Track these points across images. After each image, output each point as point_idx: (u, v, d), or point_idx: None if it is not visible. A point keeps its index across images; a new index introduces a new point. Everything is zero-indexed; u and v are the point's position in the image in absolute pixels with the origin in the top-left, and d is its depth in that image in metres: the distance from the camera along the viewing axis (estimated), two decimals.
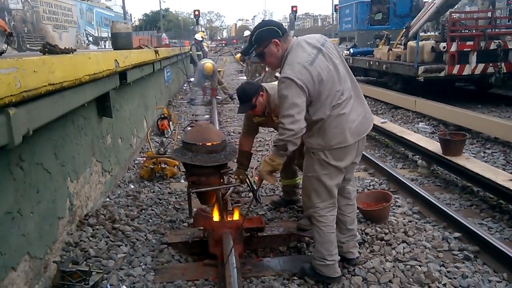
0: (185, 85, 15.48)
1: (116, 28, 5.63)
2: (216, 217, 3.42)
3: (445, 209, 3.81)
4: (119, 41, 5.54)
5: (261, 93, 3.33)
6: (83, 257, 3.15)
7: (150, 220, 3.90)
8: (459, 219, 3.59)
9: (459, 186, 4.70)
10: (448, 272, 2.98)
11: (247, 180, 3.69)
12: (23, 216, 2.59)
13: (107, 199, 4.41)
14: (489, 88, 10.30)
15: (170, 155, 3.99)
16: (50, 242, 2.98)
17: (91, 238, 3.42)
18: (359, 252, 3.14)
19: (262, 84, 3.50)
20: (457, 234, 3.49)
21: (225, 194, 3.44)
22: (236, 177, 3.71)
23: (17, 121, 2.15)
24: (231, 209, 3.64)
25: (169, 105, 10.49)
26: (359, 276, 2.94)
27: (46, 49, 3.14)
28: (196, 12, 29.56)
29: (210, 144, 3.12)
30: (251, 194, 4.44)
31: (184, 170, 3.41)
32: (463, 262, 3.12)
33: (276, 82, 3.58)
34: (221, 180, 3.33)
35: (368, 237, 3.47)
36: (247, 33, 16.95)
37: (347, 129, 2.63)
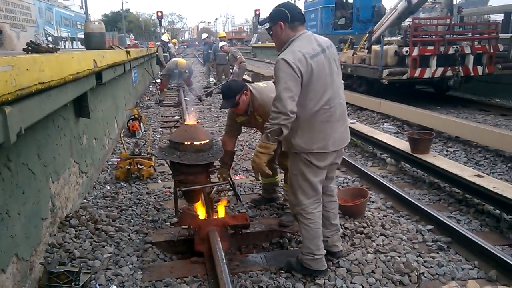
0: (151, 86, 15.32)
1: (89, 28, 5.54)
2: (201, 215, 3.46)
3: (417, 203, 4.03)
4: (93, 41, 5.46)
5: (245, 91, 3.42)
6: (68, 258, 3.11)
7: (132, 220, 3.89)
8: (431, 212, 3.81)
9: (426, 182, 4.96)
10: (425, 261, 3.17)
11: (229, 178, 3.76)
12: (11, 217, 2.55)
13: (85, 200, 4.35)
14: (447, 90, 10.84)
15: (156, 155, 3.97)
16: (35, 244, 2.93)
17: (74, 239, 3.38)
18: (342, 245, 3.28)
19: (248, 84, 3.59)
20: (429, 227, 3.71)
21: (210, 193, 3.49)
22: (219, 176, 3.77)
23: (12, 120, 2.13)
24: (215, 207, 3.69)
25: (137, 106, 10.35)
26: (343, 267, 3.07)
27: (30, 48, 3.08)
28: (159, 14, 29.15)
29: (198, 143, 3.17)
30: (231, 193, 4.54)
31: (170, 169, 3.43)
32: (437, 252, 3.32)
33: (261, 83, 3.68)
34: (208, 179, 3.38)
35: (348, 231, 3.62)
36: (204, 35, 17.09)
37: (330, 138, 2.74)
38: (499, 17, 21.42)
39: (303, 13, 2.93)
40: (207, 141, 3.25)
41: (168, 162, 3.33)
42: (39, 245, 2.98)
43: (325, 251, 3.02)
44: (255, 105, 3.47)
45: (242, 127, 3.89)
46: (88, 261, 3.11)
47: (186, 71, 11.23)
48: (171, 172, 3.67)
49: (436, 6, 9.91)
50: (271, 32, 2.79)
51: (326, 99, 2.69)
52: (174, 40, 18.68)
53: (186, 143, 3.16)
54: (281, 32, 2.72)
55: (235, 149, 4.00)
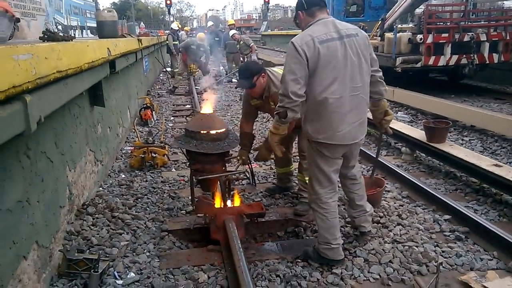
0: (161, 74, 15.31)
1: (102, 16, 5.52)
2: (217, 203, 3.46)
3: (434, 193, 3.99)
4: (105, 30, 5.45)
5: (263, 74, 3.40)
6: (86, 245, 3.14)
7: (147, 209, 3.91)
8: (448, 202, 3.77)
9: (442, 171, 4.90)
10: (443, 252, 3.14)
11: (248, 161, 3.80)
12: (31, 205, 2.56)
13: (100, 188, 4.38)
14: (461, 78, 10.68)
15: (172, 143, 3.98)
16: (54, 231, 2.96)
17: (92, 227, 3.40)
18: (372, 226, 3.28)
19: (267, 68, 3.56)
20: (447, 217, 3.66)
21: (226, 181, 3.48)
22: (239, 158, 3.78)
23: (33, 108, 2.12)
24: (231, 195, 3.69)
25: (148, 95, 10.37)
26: (360, 257, 3.06)
27: (46, 36, 3.07)
28: (168, 2, 29.05)
29: (214, 132, 3.15)
30: (245, 182, 4.54)
31: (186, 158, 3.43)
32: (455, 242, 3.29)
33: (278, 69, 3.63)
34: (224, 168, 3.37)
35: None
36: (210, 23, 17.11)
37: (338, 129, 2.68)
38: None
39: None
40: (223, 130, 3.23)
41: (184, 151, 3.33)
42: (57, 233, 3.01)
43: (342, 241, 3.02)
44: (270, 91, 3.44)
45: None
46: (106, 248, 3.13)
47: (202, 48, 11.15)
48: (185, 160, 3.69)
49: None
50: (297, 22, 2.86)
51: (335, 88, 2.61)
52: (187, 28, 18.60)
53: (202, 132, 3.14)
54: (300, 20, 2.77)
55: (253, 133, 4.00)
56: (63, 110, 3.32)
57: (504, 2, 25.75)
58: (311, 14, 2.71)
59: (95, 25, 6.69)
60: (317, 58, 2.55)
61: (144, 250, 3.20)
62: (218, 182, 3.39)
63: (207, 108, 3.64)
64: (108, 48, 4.22)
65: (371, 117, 3.18)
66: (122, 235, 3.35)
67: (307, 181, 3.80)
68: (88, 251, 3.02)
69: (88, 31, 25.44)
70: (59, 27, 22.36)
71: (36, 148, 2.70)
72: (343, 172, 3.04)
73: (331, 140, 2.71)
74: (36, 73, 2.16)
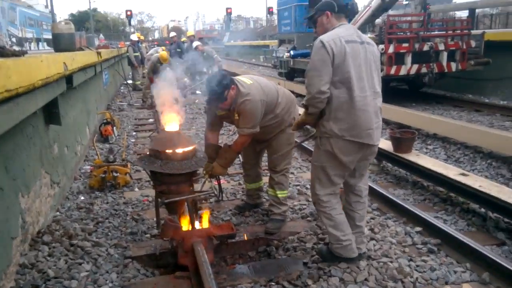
0: (122, 87, 14.92)
1: (58, 28, 5.24)
2: (185, 226, 3.28)
3: (403, 205, 3.97)
4: (62, 43, 5.17)
5: (232, 86, 3.28)
6: (42, 279, 2.88)
7: (109, 234, 3.67)
8: (418, 213, 3.75)
9: (410, 181, 4.93)
10: (417, 266, 3.09)
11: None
12: None
13: (57, 213, 4.09)
14: (421, 87, 10.96)
15: (136, 164, 3.77)
16: (5, 266, 2.70)
17: (48, 258, 3.13)
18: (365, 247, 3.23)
19: (234, 78, 3.43)
20: (418, 228, 3.64)
21: (193, 202, 3.31)
22: (204, 172, 3.62)
23: None
24: (199, 217, 3.52)
25: (109, 109, 10.02)
26: (335, 276, 2.95)
27: None
28: (129, 13, 28.63)
29: (181, 151, 2.99)
30: (212, 200, 4.38)
31: (151, 179, 3.24)
32: (428, 255, 3.26)
33: (246, 79, 3.50)
34: (191, 188, 3.20)
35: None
36: (172, 34, 16.98)
37: (365, 127, 2.77)
38: (464, 14, 22.00)
39: (277, 11, 3.02)
40: (190, 148, 3.07)
41: (148, 172, 3.14)
42: (9, 267, 2.74)
43: (354, 237, 3.04)
44: (237, 102, 3.32)
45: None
46: (64, 281, 2.88)
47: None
48: (149, 179, 3.49)
49: (409, 3, 9.92)
50: (315, 23, 2.95)
51: (362, 85, 2.73)
52: (138, 34, 18.18)
53: (167, 151, 2.97)
54: (327, 21, 2.86)
55: (219, 143, 3.85)
56: (14, 131, 3.06)
57: (456, 12, 26.89)
58: (338, 18, 2.86)
59: (51, 37, 6.40)
60: (343, 55, 2.67)
61: (107, 280, 2.96)
62: (186, 204, 3.20)
63: (172, 124, 3.45)
64: (64, 63, 3.98)
65: None
66: (82, 265, 3.10)
67: (278, 196, 3.70)
68: (44, 285, 2.77)
69: (45, 43, 24.57)
70: (13, 39, 21.49)
71: None
72: (351, 183, 3.05)
73: (358, 138, 2.76)
74: None
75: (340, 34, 2.72)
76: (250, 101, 3.29)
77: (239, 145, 3.53)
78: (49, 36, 23.88)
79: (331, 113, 2.76)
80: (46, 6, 31.84)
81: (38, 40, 25.82)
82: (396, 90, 11.98)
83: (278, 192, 3.73)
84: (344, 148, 2.78)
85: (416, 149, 6.16)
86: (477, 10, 20.38)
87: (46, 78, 3.16)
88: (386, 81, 10.72)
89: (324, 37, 2.71)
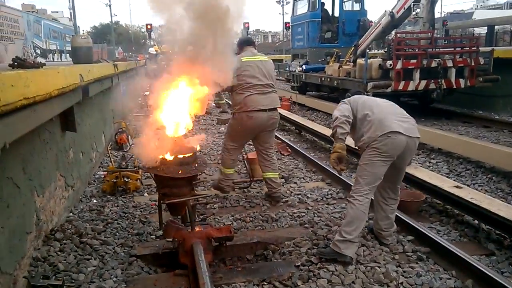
0: (140, 99, 15.32)
1: (77, 42, 5.61)
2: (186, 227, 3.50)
3: (397, 214, 4.10)
4: (80, 55, 5.52)
5: None
6: (52, 271, 3.13)
7: (117, 234, 3.92)
8: (411, 223, 3.89)
9: None
10: (404, 272, 3.24)
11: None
12: None
13: (71, 214, 4.37)
14: (431, 102, 11.04)
15: (141, 168, 4.02)
16: (19, 257, 2.95)
17: (59, 253, 3.39)
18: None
19: None
20: (410, 237, 3.78)
21: (194, 205, 3.54)
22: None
23: None
24: (199, 219, 3.74)
25: (125, 119, 10.36)
26: (324, 279, 3.13)
27: (16, 64, 3.13)
28: (149, 26, 29.32)
29: (182, 156, 3.23)
30: (216, 205, 4.61)
31: (155, 182, 3.48)
32: (417, 263, 3.40)
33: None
34: (192, 191, 3.43)
35: (330, 241, 3.68)
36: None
37: (386, 121, 3.27)
38: (483, 30, 21.97)
39: (290, 26, 3.31)
40: (191, 154, 3.31)
41: (153, 175, 3.38)
42: (23, 259, 3.00)
43: (358, 242, 3.41)
44: None
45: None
46: (72, 274, 3.13)
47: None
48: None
49: (418, 20, 10.08)
50: None
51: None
52: (156, 47, 18.45)
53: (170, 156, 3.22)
54: None
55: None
56: (32, 135, 3.35)
57: (474, 29, 26.79)
58: None
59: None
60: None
61: (111, 275, 3.20)
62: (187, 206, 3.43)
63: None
64: (80, 74, 4.29)
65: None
66: (90, 260, 3.35)
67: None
68: (54, 277, 3.01)
69: (67, 54, 25.37)
70: (38, 51, 22.32)
71: (1, 173, 2.72)
72: (391, 186, 3.56)
73: (388, 129, 3.22)
74: (1, 100, 2.21)
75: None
76: None
77: None
78: None
79: (361, 133, 3.33)
80: (70, 19, 32.97)
81: (61, 52, 26.72)
82: (407, 105, 12.06)
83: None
84: (384, 141, 3.27)
85: (419, 163, 6.30)
86: (496, 27, 20.40)
87: (62, 88, 3.45)
88: (396, 96, 10.89)
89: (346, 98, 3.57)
